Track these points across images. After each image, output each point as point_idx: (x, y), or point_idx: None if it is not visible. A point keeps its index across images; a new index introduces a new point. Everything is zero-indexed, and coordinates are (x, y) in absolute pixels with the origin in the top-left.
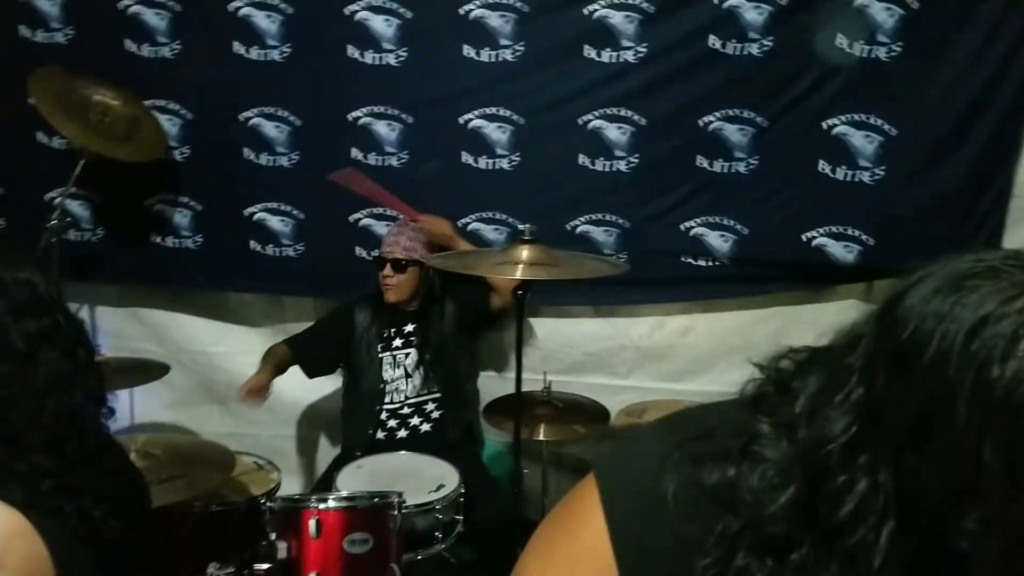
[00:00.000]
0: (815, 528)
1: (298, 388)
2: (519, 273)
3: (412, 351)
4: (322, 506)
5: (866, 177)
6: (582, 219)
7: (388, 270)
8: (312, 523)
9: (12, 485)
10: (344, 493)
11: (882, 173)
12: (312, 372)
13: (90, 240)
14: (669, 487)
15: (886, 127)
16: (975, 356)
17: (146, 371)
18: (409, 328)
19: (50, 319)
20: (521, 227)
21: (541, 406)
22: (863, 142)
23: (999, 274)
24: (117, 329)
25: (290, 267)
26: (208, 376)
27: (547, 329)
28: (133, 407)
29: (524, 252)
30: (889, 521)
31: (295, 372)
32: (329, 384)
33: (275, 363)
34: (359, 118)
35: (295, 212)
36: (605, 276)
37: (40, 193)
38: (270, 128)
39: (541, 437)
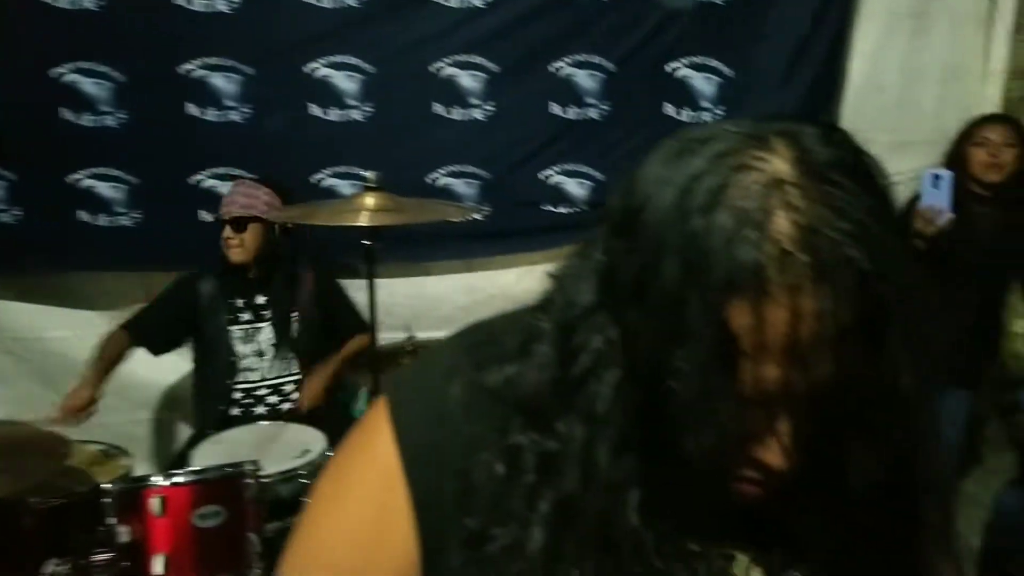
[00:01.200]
0: (567, 394)
1: (152, 368)
2: (363, 220)
3: (266, 327)
4: (165, 483)
5: (708, 118)
6: (442, 171)
7: (228, 231)
8: (155, 502)
9: None
10: (192, 468)
11: (722, 113)
12: (157, 350)
13: None
14: (454, 392)
15: (725, 69)
16: (681, 210)
17: None
18: (260, 300)
19: None
20: (365, 174)
21: (408, 356)
22: (704, 84)
23: (718, 138)
24: None
25: (127, 238)
26: (45, 365)
27: (414, 287)
28: None
29: (369, 200)
30: (615, 370)
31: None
32: (187, 363)
33: (105, 365)
34: (191, 70)
35: (127, 176)
36: (453, 220)
37: None
38: (89, 85)
39: None
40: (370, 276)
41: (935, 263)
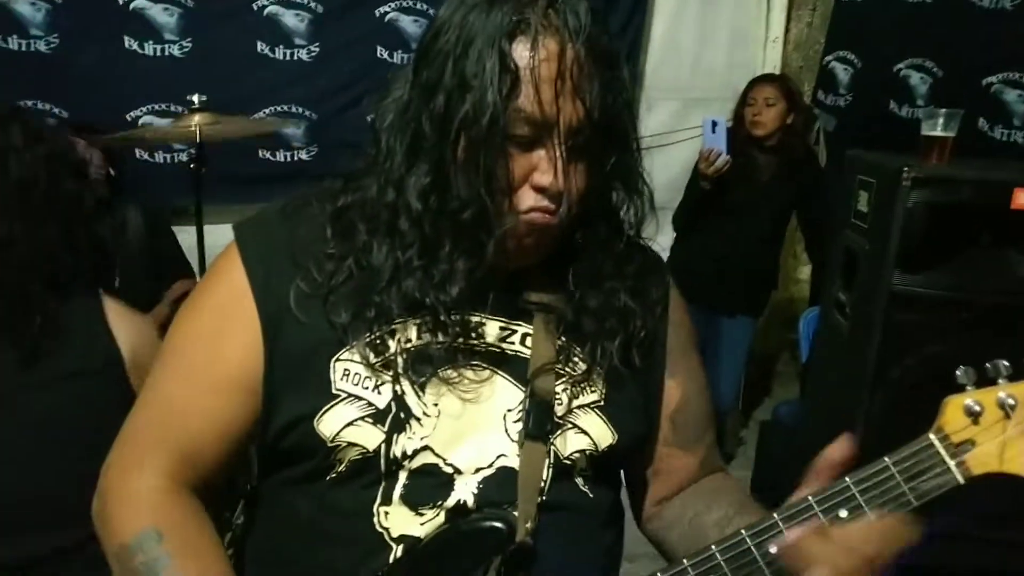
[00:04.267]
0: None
1: None
2: (194, 137)
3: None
4: None
5: None
6: (267, 111)
7: None
8: None
9: None
10: None
11: None
12: None
13: None
14: (283, 222)
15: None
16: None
17: None
18: None
19: None
20: (190, 97)
21: None
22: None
23: None
24: None
25: None
26: None
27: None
28: None
29: (196, 117)
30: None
31: None
32: None
33: None
34: None
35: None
36: (268, 132)
37: None
38: None
39: None
40: (199, 211)
41: (719, 200)
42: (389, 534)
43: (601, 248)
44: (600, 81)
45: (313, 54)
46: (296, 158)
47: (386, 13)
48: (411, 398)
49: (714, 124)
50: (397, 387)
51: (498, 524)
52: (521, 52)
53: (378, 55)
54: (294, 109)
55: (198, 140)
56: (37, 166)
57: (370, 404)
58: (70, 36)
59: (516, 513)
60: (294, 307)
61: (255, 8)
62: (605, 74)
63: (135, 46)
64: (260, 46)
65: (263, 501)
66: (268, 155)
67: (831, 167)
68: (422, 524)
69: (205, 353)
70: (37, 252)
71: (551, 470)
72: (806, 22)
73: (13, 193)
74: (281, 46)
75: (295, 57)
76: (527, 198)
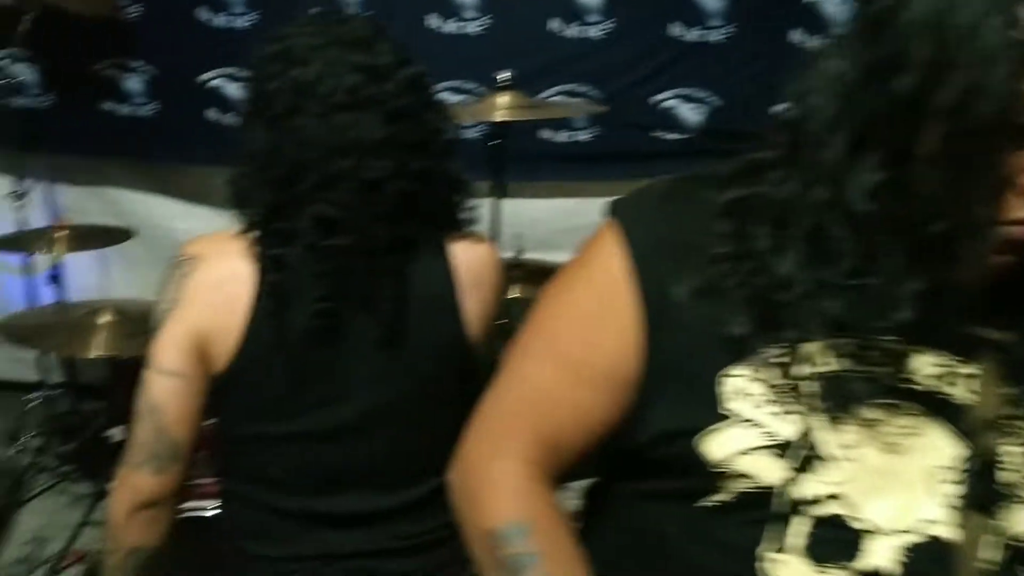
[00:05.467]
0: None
1: None
2: (498, 117)
3: None
4: None
5: None
6: (553, 89)
7: None
8: None
9: None
10: None
11: None
12: None
13: (40, 107)
14: (685, 208)
15: None
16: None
17: (109, 236)
18: None
19: None
20: (494, 75)
21: (514, 268)
22: (837, 12)
23: None
24: (77, 205)
25: None
26: (171, 253)
27: (513, 206)
28: (92, 275)
29: (501, 98)
30: (850, 129)
31: None
32: None
33: None
34: None
35: None
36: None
37: None
38: None
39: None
40: (495, 181)
41: None
42: None
43: None
44: None
45: (605, 31)
46: (575, 139)
47: None
48: (823, 434)
49: None
50: (806, 419)
51: None
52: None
53: (668, 33)
54: (578, 89)
55: (499, 119)
56: (403, 92)
57: (771, 433)
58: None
59: None
60: (678, 305)
61: None
62: None
63: (437, 24)
64: (550, 23)
65: (612, 505)
66: (548, 135)
67: None
68: None
69: (582, 342)
70: (404, 194)
71: (1002, 552)
72: None
73: (381, 123)
74: (574, 23)
75: (586, 34)
76: (1018, 206)
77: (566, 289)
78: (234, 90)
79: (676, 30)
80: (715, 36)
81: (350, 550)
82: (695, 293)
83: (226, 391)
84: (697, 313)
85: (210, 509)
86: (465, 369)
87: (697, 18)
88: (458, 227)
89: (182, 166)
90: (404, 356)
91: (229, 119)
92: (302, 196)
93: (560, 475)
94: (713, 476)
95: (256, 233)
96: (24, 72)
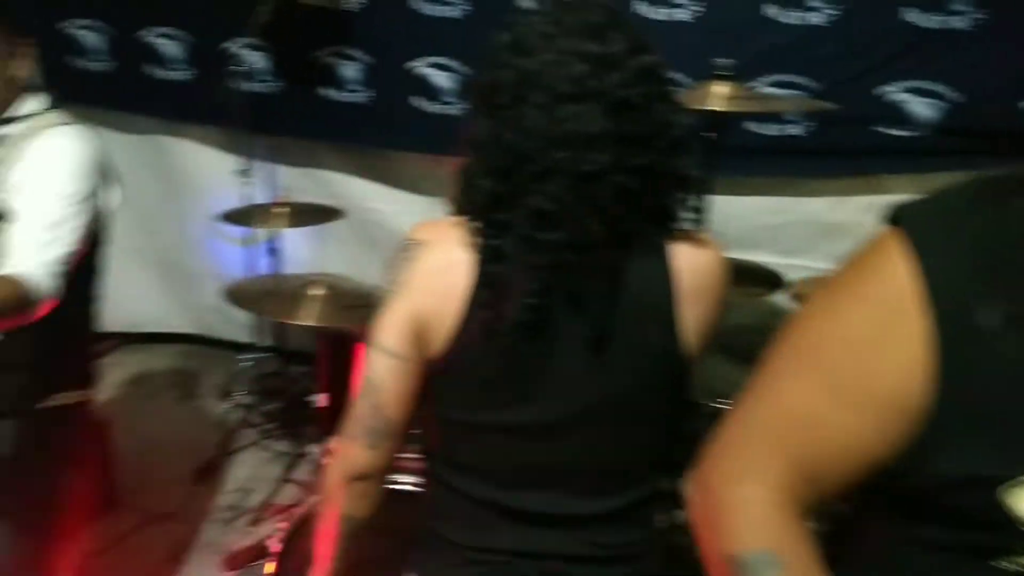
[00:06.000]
0: None
1: None
2: (719, 107)
3: None
4: None
5: None
6: (764, 79)
7: None
8: None
9: None
10: None
11: None
12: None
13: (267, 92)
14: (977, 225)
15: None
16: None
17: (323, 214)
18: None
19: None
20: (712, 63)
21: None
22: None
23: None
24: (294, 184)
25: (452, 125)
26: (372, 232)
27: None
28: (306, 250)
29: (719, 88)
30: None
31: None
32: None
33: None
34: None
35: (462, 68)
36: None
37: (218, 42)
38: None
39: None
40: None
41: None
42: None
43: None
44: None
45: (830, 17)
46: (786, 132)
47: None
48: None
49: None
50: None
51: None
52: None
53: (902, 18)
54: (792, 79)
55: (717, 110)
56: (631, 82)
57: None
58: None
59: None
60: (986, 333)
61: None
62: None
63: (644, 11)
64: (765, 8)
65: (871, 544)
66: (754, 127)
67: None
68: None
69: (855, 364)
70: (623, 190)
71: None
72: None
73: (601, 115)
74: (793, 8)
75: (807, 21)
76: None
77: (836, 304)
78: (442, 79)
79: (912, 15)
80: (959, 23)
81: (544, 550)
82: (1010, 319)
83: (438, 376)
84: (1013, 343)
85: (409, 484)
86: (675, 382)
87: (937, 3)
88: (683, 228)
89: (388, 151)
90: (611, 360)
91: (435, 107)
92: (520, 187)
93: (813, 507)
94: (1019, 535)
95: (476, 223)
96: (255, 59)
